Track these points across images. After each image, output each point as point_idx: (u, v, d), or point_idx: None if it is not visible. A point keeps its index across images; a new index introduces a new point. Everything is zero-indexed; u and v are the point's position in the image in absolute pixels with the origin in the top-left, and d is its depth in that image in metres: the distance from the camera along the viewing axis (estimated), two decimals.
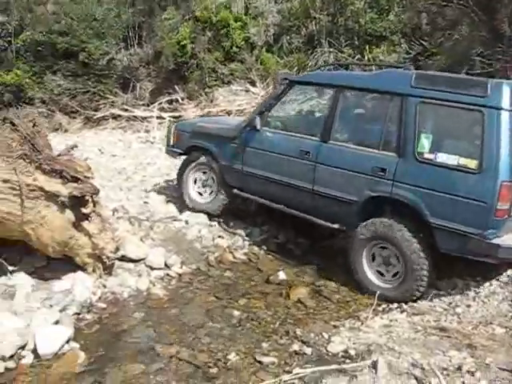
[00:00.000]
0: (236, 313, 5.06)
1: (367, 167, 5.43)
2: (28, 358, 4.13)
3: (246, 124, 6.55)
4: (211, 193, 7.07)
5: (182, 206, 7.22)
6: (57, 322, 4.49)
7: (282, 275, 5.87)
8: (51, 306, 4.74)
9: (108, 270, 5.44)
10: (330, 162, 5.74)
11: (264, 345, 4.51)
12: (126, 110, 14.32)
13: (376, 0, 13.66)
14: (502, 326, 4.42)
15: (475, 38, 10.32)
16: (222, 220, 7.05)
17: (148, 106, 14.49)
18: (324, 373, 3.87)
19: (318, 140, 5.89)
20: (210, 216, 7.02)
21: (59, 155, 5.14)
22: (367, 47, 13.02)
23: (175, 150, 7.47)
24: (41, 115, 13.10)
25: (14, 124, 4.96)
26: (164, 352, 4.35)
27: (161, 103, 14.33)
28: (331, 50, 13.38)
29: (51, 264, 5.31)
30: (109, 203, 6.90)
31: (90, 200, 5.07)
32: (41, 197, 4.85)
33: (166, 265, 5.88)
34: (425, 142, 5.10)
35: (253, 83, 13.86)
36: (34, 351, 4.17)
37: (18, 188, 4.74)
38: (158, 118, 13.74)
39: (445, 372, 3.68)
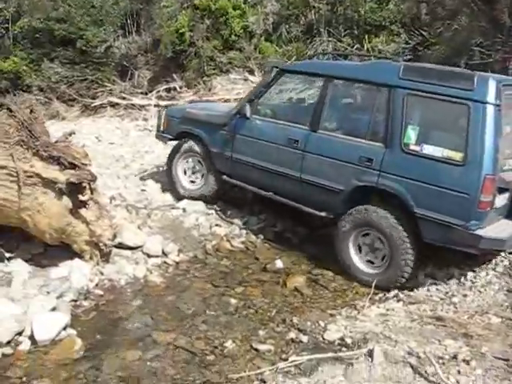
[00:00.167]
0: (233, 301, 5.08)
1: (354, 157, 5.49)
2: (25, 345, 4.14)
3: (235, 111, 6.57)
4: (202, 177, 7.09)
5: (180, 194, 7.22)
6: (54, 309, 4.50)
7: (278, 263, 5.88)
8: (48, 292, 4.75)
9: (105, 257, 5.44)
10: (319, 150, 5.80)
11: (261, 332, 4.53)
12: (124, 98, 14.22)
13: None
14: (498, 316, 4.44)
15: (475, 28, 10.30)
16: (219, 208, 7.05)
17: (146, 94, 14.40)
18: (320, 360, 3.89)
19: (307, 129, 5.95)
20: (208, 204, 7.03)
21: (56, 142, 5.12)
22: (366, 37, 12.94)
23: (165, 135, 7.51)
24: (38, 103, 13.00)
25: (11, 110, 4.94)
26: (161, 339, 4.36)
27: (159, 91, 14.24)
28: (330, 39, 13.30)
29: (48, 251, 5.32)
30: (106, 191, 6.90)
31: (88, 187, 5.05)
32: (38, 183, 4.84)
33: (163, 252, 5.88)
34: (411, 134, 5.17)
35: (251, 72, 13.78)
36: (31, 337, 4.18)
37: (15, 174, 4.73)
38: (155, 106, 13.62)
39: (440, 360, 3.69)
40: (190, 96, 13.58)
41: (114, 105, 14.26)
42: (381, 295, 5.24)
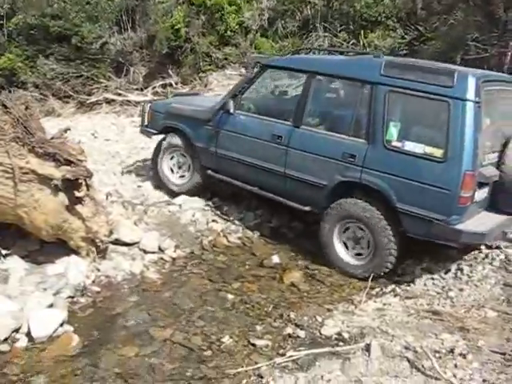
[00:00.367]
0: (230, 296, 5.08)
1: (337, 153, 5.54)
2: (22, 341, 4.13)
3: (219, 107, 6.57)
4: (189, 170, 7.10)
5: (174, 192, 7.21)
6: (51, 306, 4.50)
7: (275, 259, 5.89)
8: (45, 289, 4.74)
9: (102, 253, 5.43)
10: (302, 146, 5.84)
11: (258, 328, 4.53)
12: (120, 95, 14.20)
13: None
14: (494, 310, 4.45)
15: (470, 22, 10.30)
16: (215, 204, 7.05)
17: (142, 90, 14.37)
18: (317, 355, 3.89)
19: (290, 125, 5.98)
20: (204, 199, 7.04)
21: (52, 138, 5.10)
22: (362, 32, 12.93)
23: (149, 129, 7.52)
24: (34, 99, 12.98)
25: (6, 107, 4.92)
26: (158, 335, 4.36)
27: (154, 87, 14.23)
28: (326, 34, 13.30)
29: (45, 248, 5.30)
30: (102, 187, 6.88)
31: (84, 183, 5.04)
32: (34, 180, 4.83)
33: (159, 248, 5.88)
34: (393, 130, 5.23)
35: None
36: (28, 334, 4.18)
37: (10, 171, 4.72)
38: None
39: (437, 354, 3.70)
40: None
41: (109, 101, 14.23)
42: (377, 290, 5.25)
